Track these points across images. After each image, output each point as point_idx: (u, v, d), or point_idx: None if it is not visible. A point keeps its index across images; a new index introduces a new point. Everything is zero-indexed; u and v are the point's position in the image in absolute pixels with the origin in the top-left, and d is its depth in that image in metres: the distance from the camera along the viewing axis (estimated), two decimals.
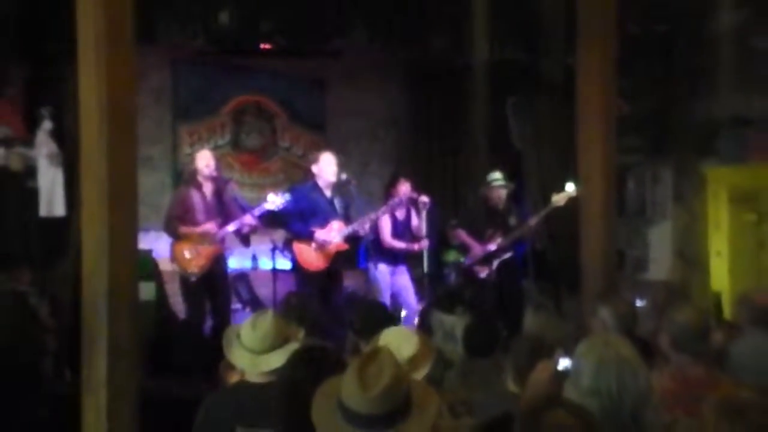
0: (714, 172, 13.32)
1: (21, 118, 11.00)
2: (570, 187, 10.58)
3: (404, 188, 11.24)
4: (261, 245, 11.74)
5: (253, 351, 5.25)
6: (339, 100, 13.90)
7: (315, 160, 11.04)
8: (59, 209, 10.51)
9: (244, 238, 10.62)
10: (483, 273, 11.38)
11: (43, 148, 10.70)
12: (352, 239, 10.84)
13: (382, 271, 11.28)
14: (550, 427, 2.12)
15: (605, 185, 9.97)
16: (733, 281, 12.96)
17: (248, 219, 10.50)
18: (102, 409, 6.61)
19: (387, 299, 11.02)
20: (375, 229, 11.32)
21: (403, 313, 10.54)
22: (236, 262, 11.84)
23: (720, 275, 13.25)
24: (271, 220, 11.46)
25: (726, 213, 13.33)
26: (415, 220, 11.33)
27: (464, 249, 11.58)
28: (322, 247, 10.55)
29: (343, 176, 11.01)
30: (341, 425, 3.62)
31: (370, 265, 11.43)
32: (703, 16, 10.81)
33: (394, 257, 11.30)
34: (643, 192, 13.61)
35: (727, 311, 9.28)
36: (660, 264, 13.46)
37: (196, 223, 10.29)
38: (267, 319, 5.41)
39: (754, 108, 12.58)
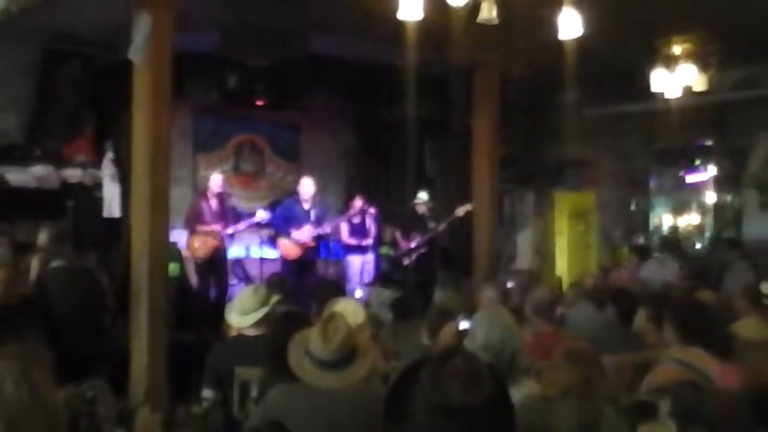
0: (559, 196, 13.59)
1: (93, 149, 10.90)
2: (467, 205, 10.71)
3: (359, 202, 11.38)
4: (252, 239, 11.77)
5: (241, 311, 5.31)
6: (308, 140, 13.65)
7: (297, 182, 11.15)
8: (116, 212, 10.38)
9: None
10: (407, 262, 11.59)
11: (107, 170, 10.56)
12: (317, 238, 10.84)
13: (352, 260, 11.44)
14: (451, 369, 2.17)
15: (490, 203, 10.18)
16: (570, 270, 13.24)
17: (241, 226, 10.64)
18: (143, 348, 6.72)
19: (354, 280, 11.17)
20: (337, 231, 11.50)
21: (359, 291, 10.52)
22: (234, 251, 11.71)
23: (562, 265, 13.50)
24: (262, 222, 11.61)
25: (566, 224, 13.61)
26: (367, 224, 11.49)
27: (394, 245, 11.75)
28: (296, 242, 10.68)
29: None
30: (308, 366, 3.69)
31: (345, 257, 11.55)
32: (553, 93, 11.04)
33: (360, 250, 11.39)
34: (513, 209, 13.72)
35: (566, 289, 9.47)
36: (524, 258, 13.57)
37: (205, 224, 10.36)
38: (248, 290, 5.54)
39: (584, 154, 12.89)
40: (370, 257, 11.44)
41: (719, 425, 3.82)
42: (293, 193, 11.22)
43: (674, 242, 11.21)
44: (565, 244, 13.73)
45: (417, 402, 2.12)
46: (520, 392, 3.68)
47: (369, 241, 11.42)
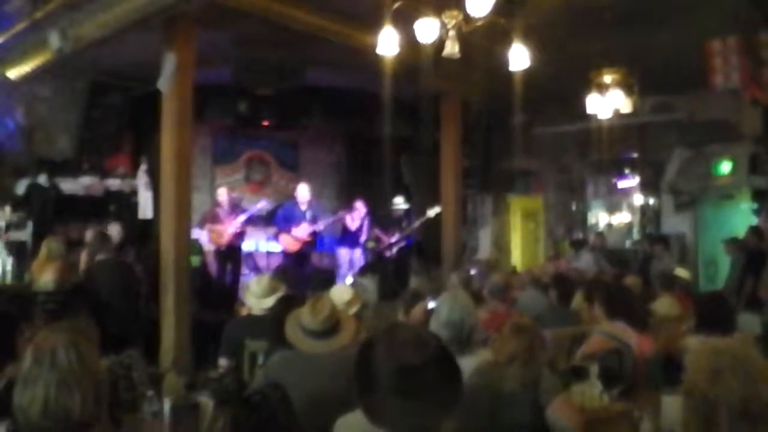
0: (514, 200, 13.66)
1: (130, 163, 10.87)
2: (436, 207, 10.77)
3: (359, 204, 11.43)
4: (260, 236, 11.81)
5: (257, 296, 5.31)
6: (306, 154, 13.71)
7: (295, 188, 11.19)
8: (149, 214, 10.44)
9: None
10: (387, 254, 11.64)
11: (142, 180, 10.60)
12: (313, 234, 10.88)
13: (342, 253, 11.43)
14: (400, 337, 2.24)
15: (455, 206, 10.23)
16: (523, 260, 13.31)
17: (243, 217, 10.58)
18: (171, 326, 6.76)
19: (344, 270, 11.18)
20: (342, 226, 11.48)
21: (348, 277, 10.55)
22: (246, 245, 11.77)
23: (516, 256, 13.57)
24: (267, 221, 11.62)
25: (519, 222, 13.67)
26: (364, 224, 11.41)
27: (377, 240, 11.81)
28: (295, 238, 10.70)
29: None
30: (301, 336, 3.75)
31: (337, 250, 11.55)
32: (505, 115, 11.11)
33: (352, 243, 11.35)
34: (475, 210, 13.78)
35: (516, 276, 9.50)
36: (484, 250, 13.62)
37: (221, 223, 10.44)
38: (261, 279, 5.53)
39: (532, 165, 12.97)
40: (358, 251, 11.42)
41: (636, 384, 3.91)
42: (292, 198, 11.22)
43: (602, 239, 11.27)
44: (518, 239, 13.80)
45: (377, 366, 2.17)
46: (475, 360, 3.72)
47: (362, 238, 11.39)
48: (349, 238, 11.39)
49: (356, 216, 11.32)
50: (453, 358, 2.28)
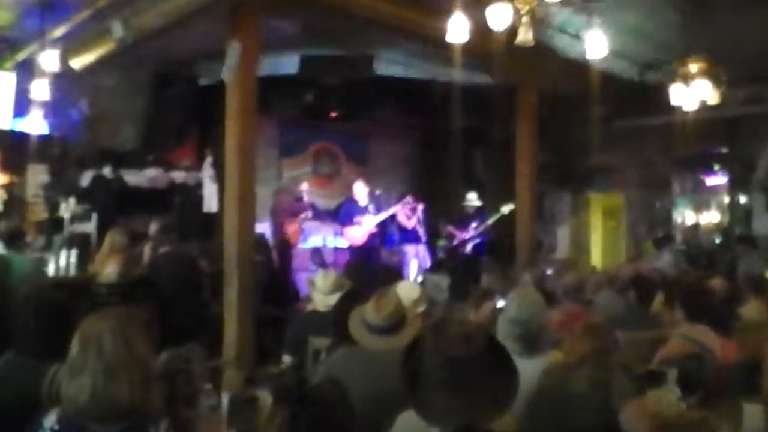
0: (594, 197, 13.49)
1: (195, 155, 11.09)
2: (510, 204, 10.72)
3: (408, 199, 11.45)
4: (327, 232, 11.81)
5: (323, 292, 5.38)
6: (376, 147, 13.79)
7: (354, 186, 11.34)
8: (214, 207, 10.57)
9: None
10: (460, 251, 11.60)
11: (207, 172, 10.78)
12: (380, 227, 10.97)
13: (408, 249, 11.46)
14: (449, 331, 2.25)
15: (530, 202, 10.12)
16: (603, 260, 13.12)
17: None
18: (233, 320, 6.82)
19: (412, 266, 11.21)
20: (397, 223, 11.56)
21: (414, 274, 10.57)
22: (313, 241, 11.94)
23: (596, 256, 13.41)
24: (329, 217, 11.74)
25: (599, 221, 13.50)
26: (417, 218, 11.48)
27: (449, 237, 11.78)
28: (360, 230, 10.79)
29: (377, 192, 11.27)
30: (363, 332, 3.79)
31: (401, 246, 11.59)
32: (586, 107, 10.97)
33: (414, 239, 11.38)
34: (553, 207, 13.68)
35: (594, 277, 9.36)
36: (562, 249, 13.56)
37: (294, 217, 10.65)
38: (330, 275, 5.60)
39: (613, 160, 12.76)
40: (422, 247, 11.42)
41: (716, 392, 3.82)
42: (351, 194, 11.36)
43: (689, 237, 11.04)
44: (598, 238, 13.65)
45: (425, 360, 2.19)
46: (544, 361, 3.70)
47: (422, 235, 11.39)
48: (410, 234, 11.43)
49: (410, 212, 11.35)
50: (507, 354, 2.28)
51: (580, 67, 6.88)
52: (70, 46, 8.56)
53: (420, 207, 11.33)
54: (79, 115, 10.20)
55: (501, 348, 2.27)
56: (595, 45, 5.65)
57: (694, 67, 7.94)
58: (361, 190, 11.03)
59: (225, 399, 3.05)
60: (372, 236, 10.87)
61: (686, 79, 7.97)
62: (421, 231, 11.38)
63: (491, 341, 2.27)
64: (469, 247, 11.64)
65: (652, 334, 5.40)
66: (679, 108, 8.18)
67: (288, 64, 9.85)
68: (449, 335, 2.22)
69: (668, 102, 8.13)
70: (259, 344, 6.80)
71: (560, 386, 3.41)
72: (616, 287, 6.66)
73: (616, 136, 12.25)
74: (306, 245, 11.60)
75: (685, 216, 12.71)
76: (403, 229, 11.45)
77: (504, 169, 11.16)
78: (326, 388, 3.02)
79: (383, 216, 10.99)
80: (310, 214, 11.07)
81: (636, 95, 10.92)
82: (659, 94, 8.50)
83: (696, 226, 12.43)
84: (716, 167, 12.13)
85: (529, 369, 3.31)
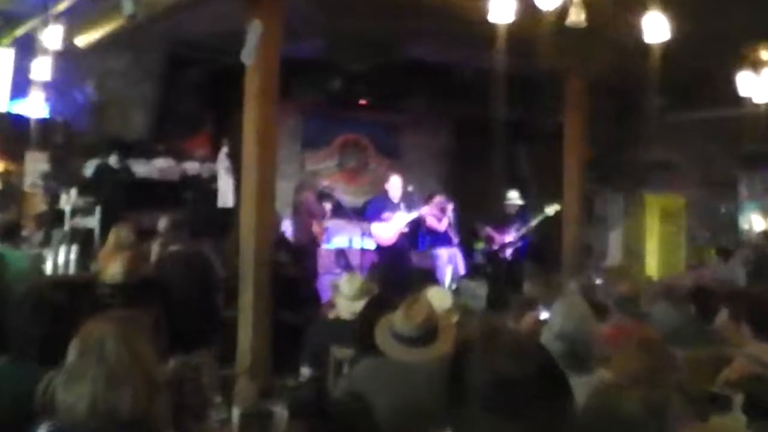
0: (651, 198, 13.38)
1: (210, 145, 11.15)
2: (555, 204, 10.66)
3: (437, 199, 11.42)
4: (354, 231, 11.78)
5: (348, 298, 5.41)
6: (408, 139, 13.80)
7: (387, 180, 11.31)
8: (230, 202, 10.62)
9: None
10: (500, 256, 11.55)
11: (222, 164, 10.79)
12: (412, 226, 10.95)
13: (440, 252, 11.44)
14: (500, 345, 2.21)
15: (578, 203, 10.07)
16: (660, 269, 13.00)
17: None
18: (248, 325, 6.80)
19: (444, 271, 11.15)
20: (426, 224, 11.54)
21: (448, 280, 10.57)
22: (338, 241, 11.95)
23: (652, 265, 13.28)
24: (356, 216, 11.74)
25: (657, 224, 13.38)
26: (448, 219, 11.46)
27: (488, 240, 11.74)
28: (390, 228, 10.79)
29: (409, 188, 11.25)
30: (392, 342, 3.78)
31: (433, 250, 11.55)
32: (642, 98, 10.85)
33: (446, 241, 11.33)
34: (604, 209, 13.59)
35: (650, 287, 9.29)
36: (614, 256, 13.46)
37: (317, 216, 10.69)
38: (356, 279, 5.64)
39: (672, 157, 12.64)
40: (455, 250, 11.40)
41: None
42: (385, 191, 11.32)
43: (762, 246, 10.89)
44: (655, 244, 13.54)
45: (470, 376, 2.15)
46: (592, 379, 3.67)
47: (453, 238, 11.38)
48: (441, 237, 11.40)
49: (440, 212, 11.32)
50: (563, 374, 2.23)
51: (636, 52, 6.78)
52: (74, 22, 8.57)
53: (450, 207, 11.30)
54: (83, 99, 10.28)
55: (557, 367, 2.22)
56: (655, 27, 5.59)
57: (765, 54, 7.84)
58: (395, 185, 11.01)
59: (236, 412, 3.06)
60: (402, 236, 10.82)
61: (756, 66, 7.87)
62: (453, 233, 11.33)
63: (548, 359, 2.22)
64: (509, 252, 11.60)
65: (714, 353, 5.36)
66: (748, 99, 8.07)
67: (312, 47, 9.85)
68: (501, 349, 2.17)
69: (735, 92, 8.02)
70: (276, 353, 6.80)
71: (609, 409, 3.36)
72: (675, 299, 6.63)
73: (676, 130, 12.14)
74: (330, 246, 11.64)
75: (753, 221, 12.54)
76: (432, 232, 11.40)
77: (549, 165, 11.08)
78: (348, 403, 3.02)
79: (414, 215, 10.94)
80: (331, 211, 11.04)
81: (699, 84, 10.82)
82: (725, 83, 8.38)
83: (766, 233, 12.26)
84: None
85: (574, 388, 3.24)
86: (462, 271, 11.26)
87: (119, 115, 10.58)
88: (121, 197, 9.91)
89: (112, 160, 10.33)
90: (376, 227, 10.88)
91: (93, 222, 9.34)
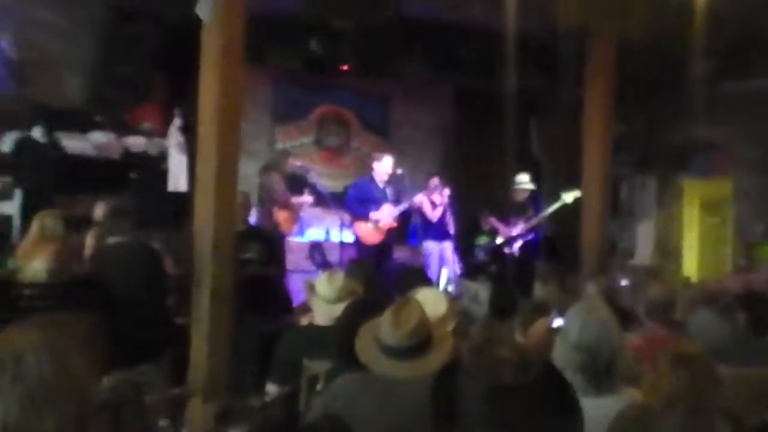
0: (689, 184, 13.41)
1: (160, 116, 11.12)
2: (575, 190, 10.63)
3: (433, 182, 11.41)
4: (333, 222, 11.84)
5: (328, 300, 5.35)
6: (399, 112, 13.83)
7: (377, 159, 11.21)
8: (183, 185, 10.62)
9: None
10: (507, 252, 11.54)
11: (174, 139, 10.85)
12: (402, 219, 10.93)
13: (430, 246, 11.44)
14: (497, 353, 2.24)
15: (602, 190, 10.07)
16: (700, 270, 13.04)
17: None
18: (204, 335, 6.75)
19: (435, 269, 11.13)
20: (420, 212, 11.52)
21: (444, 279, 10.56)
22: (313, 234, 11.93)
23: (690, 264, 13.32)
24: (336, 203, 11.71)
25: (696, 216, 13.42)
26: (445, 207, 11.43)
27: (492, 233, 11.73)
28: (376, 225, 10.73)
29: (399, 171, 11.20)
30: (377, 354, 3.75)
31: (422, 243, 11.56)
32: (678, 64, 10.83)
33: (439, 234, 11.37)
34: (632, 197, 13.63)
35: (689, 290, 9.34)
36: (643, 253, 13.50)
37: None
38: (337, 278, 5.55)
39: (715, 135, 12.66)
40: (448, 244, 11.43)
41: None
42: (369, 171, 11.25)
43: None
44: (695, 239, 13.60)
45: (463, 390, 2.16)
46: (619, 401, 3.66)
47: (449, 229, 11.39)
48: (434, 228, 11.40)
49: (436, 199, 11.31)
50: (568, 386, 2.25)
51: (675, 10, 6.76)
52: None
53: (446, 192, 11.29)
54: (1, 57, 10.17)
55: (560, 378, 2.24)
56: None
57: None
58: (385, 168, 10.92)
59: None
60: (390, 233, 10.79)
61: None
62: (449, 223, 11.32)
63: (548, 369, 2.23)
64: (517, 247, 11.59)
65: (767, 372, 5.36)
66: None
67: (286, 1, 9.80)
68: (495, 358, 2.19)
69: None
70: (237, 368, 6.81)
71: None
72: (719, 306, 6.61)
73: (723, 103, 12.12)
74: (302, 239, 11.62)
75: None
76: (426, 222, 11.39)
77: (567, 144, 11.11)
78: (324, 426, 2.99)
79: (405, 206, 10.90)
80: (310, 198, 10.98)
81: (751, 49, 10.82)
82: None
83: None
84: None
85: (596, 411, 3.24)
86: (456, 269, 11.26)
87: (47, 77, 10.49)
88: (48, 178, 9.87)
89: (37, 133, 10.25)
90: (358, 227, 10.81)
91: (11, 208, 9.31)
